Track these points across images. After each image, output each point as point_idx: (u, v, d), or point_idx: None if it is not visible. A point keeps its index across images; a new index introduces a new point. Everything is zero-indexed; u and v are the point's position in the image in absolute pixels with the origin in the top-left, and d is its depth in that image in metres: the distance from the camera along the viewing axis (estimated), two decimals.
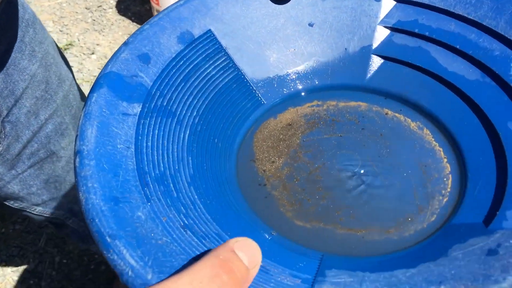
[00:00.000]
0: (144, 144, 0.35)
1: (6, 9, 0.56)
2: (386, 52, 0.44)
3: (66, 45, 1.77)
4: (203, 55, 0.42)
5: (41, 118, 0.66)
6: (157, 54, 0.40)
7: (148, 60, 0.39)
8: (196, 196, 0.34)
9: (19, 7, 0.59)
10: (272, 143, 0.41)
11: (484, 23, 0.41)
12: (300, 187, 0.38)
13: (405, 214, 0.35)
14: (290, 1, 0.45)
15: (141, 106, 0.36)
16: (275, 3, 0.45)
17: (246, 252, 0.25)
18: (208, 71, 0.42)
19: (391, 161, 0.39)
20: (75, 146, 0.33)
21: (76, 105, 0.74)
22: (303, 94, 0.45)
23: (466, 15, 0.42)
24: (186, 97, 0.40)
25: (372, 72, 0.44)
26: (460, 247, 0.31)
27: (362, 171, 0.38)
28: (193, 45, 0.41)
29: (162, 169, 0.34)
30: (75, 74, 1.65)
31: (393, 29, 0.45)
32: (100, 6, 1.95)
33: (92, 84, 0.37)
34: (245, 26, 0.44)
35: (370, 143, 0.40)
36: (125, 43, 0.39)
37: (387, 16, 0.45)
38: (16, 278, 1.20)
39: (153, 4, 1.72)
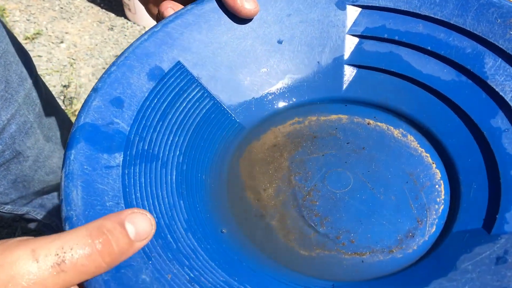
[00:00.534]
0: (133, 196, 0.33)
1: None
2: (358, 61, 0.44)
3: (34, 34, 1.70)
4: (177, 89, 0.40)
5: (3, 118, 0.64)
6: (129, 96, 0.38)
7: (121, 104, 0.37)
8: (196, 243, 0.33)
9: None
10: (260, 168, 0.40)
11: (452, 22, 0.41)
12: (298, 213, 0.37)
13: (405, 229, 0.35)
14: (255, 21, 0.44)
15: (122, 155, 0.35)
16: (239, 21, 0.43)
17: (136, 225, 0.26)
18: (184, 104, 0.40)
19: (381, 175, 0.39)
20: (61, 212, 0.31)
21: (40, 103, 0.72)
22: (282, 112, 0.44)
23: (432, 15, 0.42)
24: (166, 136, 0.38)
25: (348, 82, 0.44)
26: (468, 258, 0.31)
27: (354, 189, 0.38)
28: (165, 80, 0.40)
29: (156, 219, 0.33)
30: (44, 64, 1.60)
31: (362, 36, 0.44)
32: None
33: (69, 138, 0.35)
34: (214, 53, 0.43)
35: (357, 158, 0.40)
36: (94, 90, 0.37)
37: (354, 24, 0.44)
38: None
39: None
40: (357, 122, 0.43)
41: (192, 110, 0.41)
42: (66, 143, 0.35)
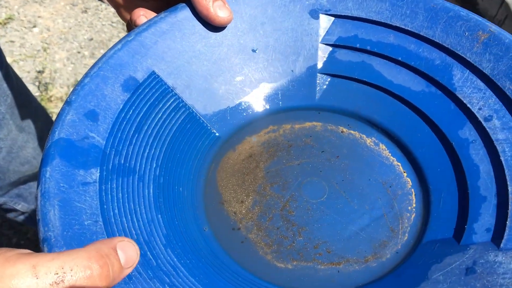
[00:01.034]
0: (111, 213, 0.33)
1: None
2: (331, 70, 0.45)
3: (6, 19, 1.64)
4: (152, 100, 0.40)
5: None
6: (104, 108, 0.37)
7: (96, 117, 0.37)
8: (175, 259, 0.33)
9: None
10: (236, 180, 0.41)
11: (422, 33, 0.42)
12: (275, 225, 0.38)
13: (379, 238, 0.36)
14: (230, 29, 0.44)
15: (99, 170, 0.34)
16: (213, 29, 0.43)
17: (126, 252, 0.27)
18: (160, 115, 0.40)
19: (355, 184, 0.40)
20: (39, 232, 0.30)
21: (11, 94, 0.70)
22: (257, 121, 0.44)
23: (403, 26, 0.43)
24: (142, 149, 0.38)
25: (322, 90, 0.45)
26: (439, 268, 0.33)
27: (330, 199, 0.39)
28: (139, 90, 0.40)
29: (135, 236, 0.33)
30: (17, 49, 1.54)
31: (335, 45, 0.45)
32: None
33: (43, 155, 0.34)
34: (189, 61, 0.42)
35: (332, 167, 0.41)
36: (68, 103, 0.36)
37: (327, 33, 0.45)
38: None
39: None
40: (331, 130, 0.44)
41: (168, 120, 0.40)
42: (41, 157, 0.34)
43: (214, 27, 0.43)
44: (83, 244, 0.30)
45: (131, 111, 0.39)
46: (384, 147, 0.42)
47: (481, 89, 0.39)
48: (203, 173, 0.41)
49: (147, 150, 0.38)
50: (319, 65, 0.45)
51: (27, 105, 0.75)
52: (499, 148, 0.36)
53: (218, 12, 0.41)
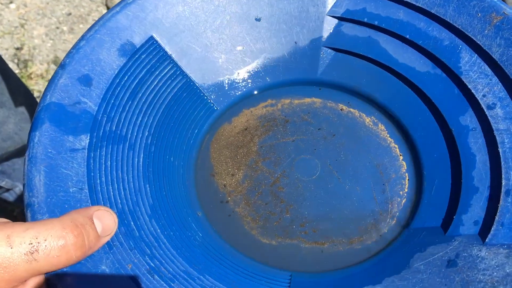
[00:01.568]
0: (98, 181, 0.33)
1: None
2: (336, 44, 0.43)
3: None
4: (148, 66, 0.39)
5: None
6: (98, 73, 0.37)
7: (89, 82, 0.36)
8: (159, 230, 0.33)
9: None
10: (230, 152, 0.40)
11: (433, 11, 0.40)
12: (263, 201, 0.38)
13: (367, 220, 0.36)
14: None
15: (88, 137, 0.34)
16: None
17: (103, 221, 0.28)
18: (155, 82, 0.40)
19: (349, 164, 0.39)
20: (24, 197, 0.31)
21: None
22: (256, 93, 0.44)
23: (414, 3, 0.41)
24: (135, 116, 0.38)
25: (324, 65, 0.44)
26: (421, 257, 0.32)
27: (321, 178, 0.38)
28: (136, 56, 0.39)
29: (121, 206, 0.33)
30: None
31: (342, 18, 0.43)
32: None
33: (33, 118, 0.34)
34: (190, 28, 0.41)
35: (327, 145, 0.40)
36: (62, 66, 0.36)
37: (335, 5, 0.43)
38: None
39: None
40: (330, 107, 0.43)
41: (164, 88, 0.40)
42: (32, 120, 0.34)
43: None
44: (67, 211, 0.31)
45: (126, 77, 0.38)
46: (383, 127, 0.41)
47: (488, 75, 0.38)
48: (196, 143, 0.41)
49: (140, 118, 0.38)
50: (324, 38, 0.44)
51: (6, 81, 0.74)
52: (498, 138, 0.35)
53: None
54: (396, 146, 0.40)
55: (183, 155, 0.39)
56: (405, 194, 0.37)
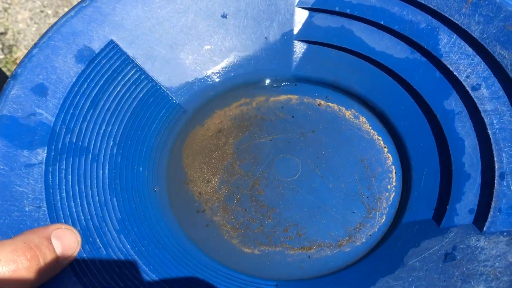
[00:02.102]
0: (58, 197, 0.30)
1: None
2: (309, 36, 0.41)
3: None
4: (109, 72, 0.37)
5: None
6: (54, 82, 0.34)
7: (45, 92, 0.33)
8: (128, 246, 0.30)
9: None
10: (203, 157, 0.38)
11: None
12: (242, 207, 0.35)
13: (354, 220, 0.34)
14: None
15: (46, 150, 0.31)
16: None
17: (63, 240, 0.25)
18: (118, 88, 0.37)
19: (331, 161, 0.36)
20: None
21: None
22: (228, 93, 0.41)
23: None
24: (98, 125, 0.35)
25: (298, 59, 0.41)
26: (416, 253, 0.30)
27: (303, 177, 0.36)
28: (95, 62, 0.36)
29: (84, 222, 0.30)
30: None
31: (313, 9, 0.41)
32: None
33: None
34: (151, 29, 0.39)
35: (307, 143, 0.38)
36: (13, 76, 0.33)
37: None
38: None
39: None
40: (307, 103, 0.40)
41: (128, 94, 0.37)
42: None
43: None
44: (23, 231, 0.27)
45: (86, 84, 0.35)
46: (364, 119, 0.39)
47: (469, 55, 0.35)
48: (166, 150, 0.38)
49: (103, 127, 0.35)
50: (295, 31, 0.41)
51: None
52: (486, 120, 0.33)
53: None
54: (380, 138, 0.37)
55: (152, 164, 0.36)
56: (393, 188, 0.35)
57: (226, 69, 0.41)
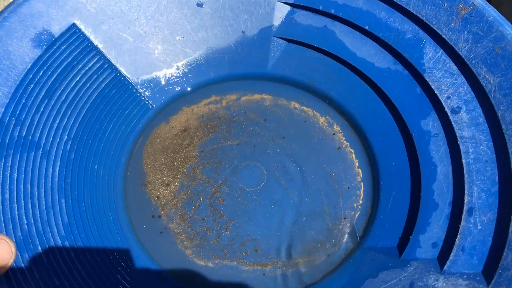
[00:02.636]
0: (0, 198, 0.28)
1: None
2: (288, 34, 0.39)
3: None
4: (69, 59, 0.34)
5: None
6: (6, 68, 0.31)
7: None
8: (73, 255, 0.29)
9: None
10: (165, 158, 0.36)
11: None
12: (200, 216, 0.33)
13: (315, 238, 0.32)
14: None
15: None
16: None
17: None
18: (78, 78, 0.34)
19: (299, 172, 0.35)
20: None
21: None
22: (198, 89, 0.39)
23: None
24: (52, 118, 0.33)
25: (275, 58, 0.39)
26: (372, 284, 0.29)
27: (267, 188, 0.34)
28: (54, 47, 0.33)
29: (27, 227, 0.28)
30: None
31: (295, 5, 0.38)
32: None
33: None
34: (120, 14, 0.36)
35: (275, 150, 0.36)
36: None
37: None
38: None
39: None
40: (281, 105, 0.38)
41: (88, 84, 0.35)
42: None
43: None
44: None
45: (42, 72, 0.33)
46: (338, 128, 0.37)
47: (453, 73, 0.33)
48: (127, 147, 0.36)
49: (57, 120, 0.33)
50: (275, 27, 0.39)
51: None
52: (462, 147, 0.31)
53: None
54: (352, 150, 0.36)
55: (110, 162, 0.34)
56: (359, 207, 0.33)
57: (197, 63, 0.39)
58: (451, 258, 0.28)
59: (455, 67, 0.33)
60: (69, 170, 0.32)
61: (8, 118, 0.30)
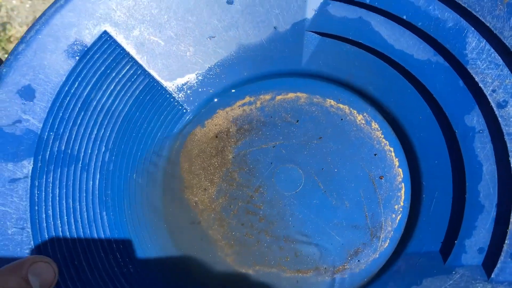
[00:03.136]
0: (43, 216, 0.29)
1: None
2: (322, 27, 0.37)
3: None
4: (102, 68, 0.34)
5: None
6: (42, 82, 0.32)
7: (32, 94, 0.31)
8: (116, 269, 0.29)
9: None
10: (202, 162, 0.36)
11: None
12: (239, 221, 0.33)
13: (356, 244, 0.32)
14: None
15: (32, 162, 0.30)
16: None
17: (40, 277, 0.25)
18: (112, 86, 0.34)
19: (337, 174, 0.34)
20: None
21: None
22: (231, 90, 0.38)
23: None
24: (89, 129, 0.33)
25: (309, 53, 0.38)
26: None
27: (305, 191, 0.34)
28: (88, 57, 0.34)
29: (70, 243, 0.29)
30: None
31: None
32: None
33: None
34: (150, 18, 0.36)
35: (312, 151, 0.35)
36: None
37: None
38: None
39: None
40: (317, 103, 0.37)
41: (123, 92, 0.35)
42: None
43: None
44: (4, 258, 0.27)
45: (77, 83, 0.33)
46: (376, 126, 0.36)
47: (499, 64, 0.32)
48: (164, 153, 0.36)
49: (95, 131, 0.33)
50: (308, 21, 0.37)
51: None
52: (509, 145, 0.30)
53: None
54: (392, 149, 0.35)
55: (147, 171, 0.35)
56: (401, 209, 0.33)
57: (230, 62, 0.38)
58: (498, 265, 0.27)
59: (500, 57, 0.32)
60: (108, 181, 0.32)
61: (47, 133, 0.31)
